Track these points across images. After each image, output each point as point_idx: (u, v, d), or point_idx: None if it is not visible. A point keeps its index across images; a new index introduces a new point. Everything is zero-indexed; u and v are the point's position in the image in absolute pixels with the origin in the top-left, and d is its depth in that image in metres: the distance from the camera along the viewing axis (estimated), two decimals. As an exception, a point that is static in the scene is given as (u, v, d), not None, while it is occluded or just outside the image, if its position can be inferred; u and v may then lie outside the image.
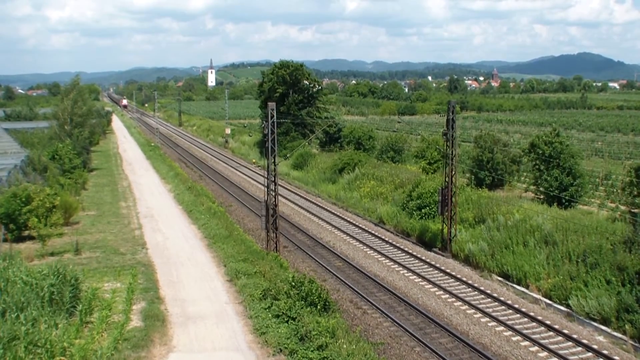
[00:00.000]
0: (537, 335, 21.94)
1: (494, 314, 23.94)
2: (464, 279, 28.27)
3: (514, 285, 27.00)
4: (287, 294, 21.56)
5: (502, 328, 22.70)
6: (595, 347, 20.96)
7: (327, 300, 21.74)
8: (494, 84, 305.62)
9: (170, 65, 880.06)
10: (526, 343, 21.41)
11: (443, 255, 32.09)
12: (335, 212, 43.11)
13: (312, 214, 42.89)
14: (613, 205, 39.85)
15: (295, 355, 17.83)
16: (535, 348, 21.00)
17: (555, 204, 35.08)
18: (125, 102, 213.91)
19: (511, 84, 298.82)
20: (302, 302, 20.91)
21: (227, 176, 61.35)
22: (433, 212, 35.46)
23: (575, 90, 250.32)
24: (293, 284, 22.19)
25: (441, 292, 26.68)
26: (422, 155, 51.94)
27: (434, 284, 27.57)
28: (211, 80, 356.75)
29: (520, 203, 34.28)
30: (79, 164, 51.07)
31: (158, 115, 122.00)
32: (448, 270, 29.46)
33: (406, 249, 33.41)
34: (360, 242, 35.00)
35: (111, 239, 32.42)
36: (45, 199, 31.12)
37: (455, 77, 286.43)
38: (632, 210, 29.45)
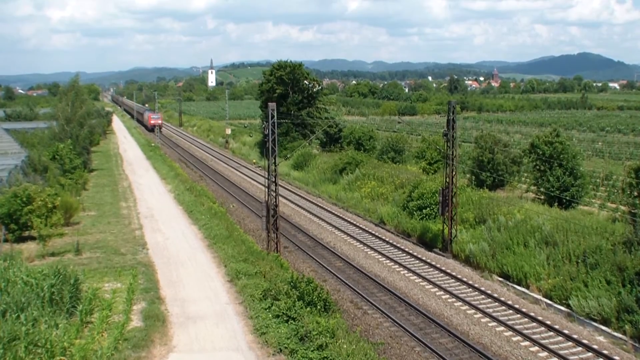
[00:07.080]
0: (538, 336, 21.95)
1: (494, 314, 23.95)
2: (465, 279, 28.27)
3: (515, 286, 27.00)
4: (287, 294, 21.56)
5: (502, 328, 22.71)
6: (595, 347, 20.97)
7: (327, 300, 21.76)
8: (494, 84, 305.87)
9: (170, 66, 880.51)
10: (526, 343, 21.42)
11: (444, 256, 32.09)
12: (336, 213, 43.10)
13: (313, 214, 42.89)
14: (613, 205, 39.84)
15: (295, 355, 17.83)
16: (536, 348, 21.01)
17: (555, 204, 35.08)
18: (157, 118, 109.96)
19: (511, 84, 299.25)
20: (302, 302, 20.92)
21: (228, 176, 61.37)
22: (434, 213, 35.45)
23: (576, 90, 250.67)
24: (293, 284, 22.20)
25: (442, 292, 26.68)
26: (422, 155, 51.94)
27: (435, 285, 27.58)
28: (211, 80, 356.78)
29: (521, 203, 34.28)
30: (80, 164, 51.01)
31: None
32: (448, 271, 29.46)
33: (407, 250, 33.41)
34: (361, 242, 35.00)
35: (112, 239, 32.41)
36: (46, 199, 31.07)
37: (456, 77, 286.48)
38: (632, 211, 29.40)
